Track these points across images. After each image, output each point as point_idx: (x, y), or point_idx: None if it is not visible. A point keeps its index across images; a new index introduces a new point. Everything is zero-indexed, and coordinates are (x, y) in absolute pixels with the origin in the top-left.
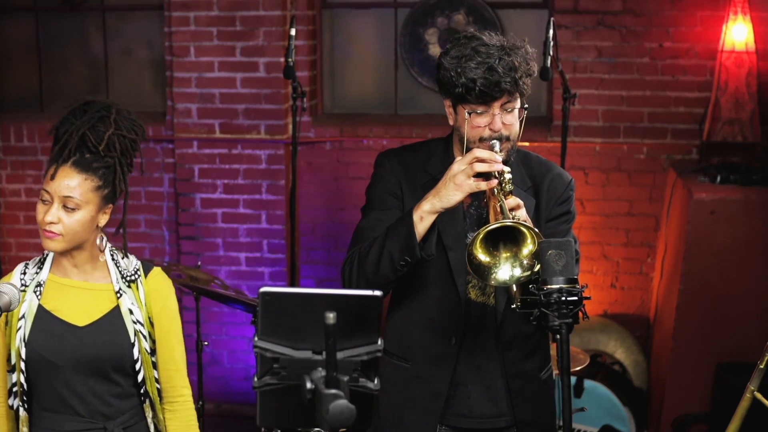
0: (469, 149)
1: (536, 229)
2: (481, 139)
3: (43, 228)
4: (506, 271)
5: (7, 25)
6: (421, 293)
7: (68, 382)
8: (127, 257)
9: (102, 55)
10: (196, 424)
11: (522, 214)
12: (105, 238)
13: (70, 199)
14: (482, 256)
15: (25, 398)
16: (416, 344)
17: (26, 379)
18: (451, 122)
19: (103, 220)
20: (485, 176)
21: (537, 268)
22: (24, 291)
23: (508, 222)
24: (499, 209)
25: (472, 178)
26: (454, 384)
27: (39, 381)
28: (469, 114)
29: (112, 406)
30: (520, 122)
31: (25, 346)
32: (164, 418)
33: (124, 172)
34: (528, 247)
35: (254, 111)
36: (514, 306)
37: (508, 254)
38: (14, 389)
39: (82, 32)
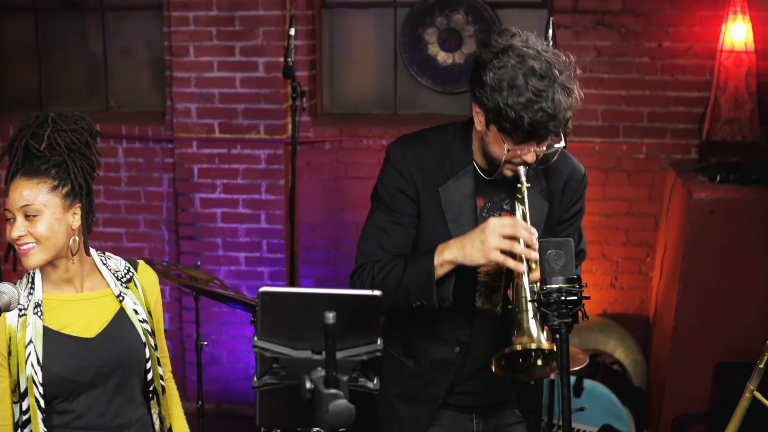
0: (491, 161)
1: (554, 347)
2: (509, 161)
3: (16, 245)
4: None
5: (6, 25)
6: None
7: (92, 396)
8: (112, 258)
9: (101, 55)
10: (179, 402)
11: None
12: (84, 243)
13: (28, 207)
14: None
15: (42, 421)
16: (421, 349)
17: (46, 402)
18: (477, 127)
19: (75, 221)
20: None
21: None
22: (24, 315)
23: (531, 346)
24: (524, 304)
25: (501, 253)
26: (455, 384)
27: (59, 401)
28: (507, 150)
29: (126, 417)
30: (555, 153)
31: (42, 370)
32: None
33: (77, 167)
34: (548, 365)
35: (253, 111)
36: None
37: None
38: (24, 418)
39: (81, 32)
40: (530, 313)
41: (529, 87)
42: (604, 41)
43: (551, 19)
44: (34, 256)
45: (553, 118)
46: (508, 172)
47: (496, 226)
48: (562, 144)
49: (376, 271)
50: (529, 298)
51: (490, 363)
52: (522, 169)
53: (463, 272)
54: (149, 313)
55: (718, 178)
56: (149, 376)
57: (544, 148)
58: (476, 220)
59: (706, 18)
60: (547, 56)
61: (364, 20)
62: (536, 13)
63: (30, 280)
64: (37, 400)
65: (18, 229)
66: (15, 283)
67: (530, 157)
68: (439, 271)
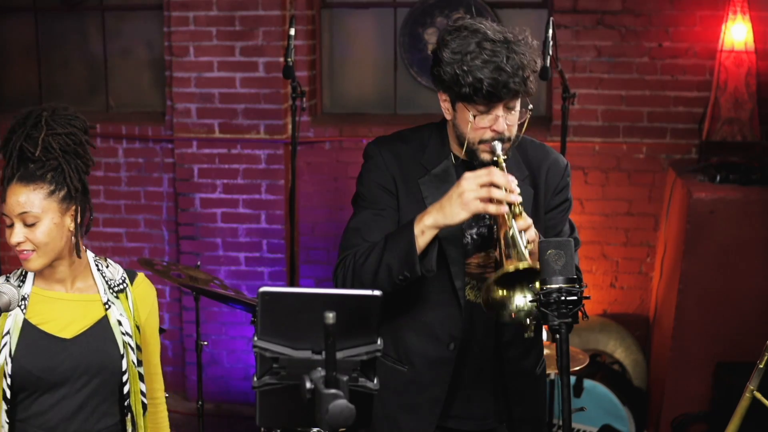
0: (469, 149)
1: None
2: (483, 141)
3: (16, 250)
4: (519, 299)
5: (6, 25)
6: (419, 298)
7: (55, 397)
8: (112, 265)
9: (101, 55)
10: (167, 426)
11: (531, 234)
12: (86, 248)
13: (26, 214)
14: (495, 294)
15: (6, 412)
16: (413, 350)
17: (11, 394)
18: (447, 117)
19: (72, 223)
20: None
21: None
22: None
23: (522, 265)
24: (511, 239)
25: (481, 201)
26: (453, 388)
27: (23, 396)
28: (473, 117)
29: (92, 424)
30: (523, 124)
31: (12, 362)
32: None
33: (73, 169)
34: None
35: (253, 111)
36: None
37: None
38: None
39: (81, 32)
40: (521, 246)
41: (483, 51)
42: (604, 41)
43: (551, 19)
44: (34, 262)
45: (513, 75)
46: (486, 155)
47: (471, 176)
48: (530, 112)
49: (357, 257)
50: (518, 236)
51: (485, 362)
52: (498, 144)
53: (452, 262)
54: (137, 327)
55: (718, 178)
56: (125, 389)
57: (513, 114)
58: (464, 234)
59: (706, 18)
60: (500, 28)
61: (364, 20)
62: (536, 13)
63: (23, 272)
64: (3, 391)
65: (17, 235)
66: (10, 274)
67: (499, 125)
68: (421, 241)
